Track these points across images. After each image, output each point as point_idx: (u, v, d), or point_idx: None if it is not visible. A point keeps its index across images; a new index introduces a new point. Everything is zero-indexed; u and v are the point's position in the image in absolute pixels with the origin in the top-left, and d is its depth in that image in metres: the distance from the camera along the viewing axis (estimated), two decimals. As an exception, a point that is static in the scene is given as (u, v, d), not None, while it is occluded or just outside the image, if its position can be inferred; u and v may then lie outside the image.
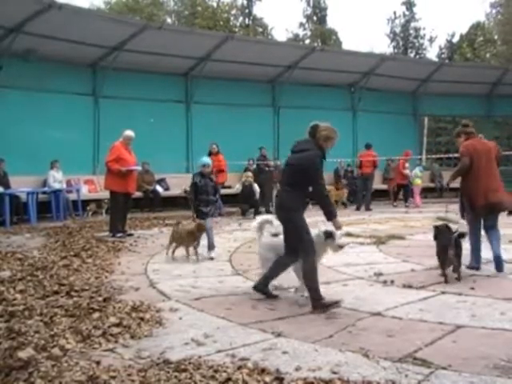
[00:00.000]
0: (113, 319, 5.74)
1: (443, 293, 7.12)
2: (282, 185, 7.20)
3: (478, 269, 8.56)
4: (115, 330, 5.43)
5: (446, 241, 7.92)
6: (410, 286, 7.46)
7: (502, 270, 8.26)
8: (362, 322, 5.82)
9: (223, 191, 19.40)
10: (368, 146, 20.48)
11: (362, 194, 20.44)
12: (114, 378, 4.25)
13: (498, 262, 8.33)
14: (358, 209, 19.80)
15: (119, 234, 12.61)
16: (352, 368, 4.50)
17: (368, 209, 19.61)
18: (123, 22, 19.30)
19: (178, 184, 20.28)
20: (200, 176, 10.50)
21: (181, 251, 10.03)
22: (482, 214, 8.67)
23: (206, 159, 10.92)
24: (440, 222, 9.37)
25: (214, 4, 46.16)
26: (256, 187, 17.89)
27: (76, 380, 4.18)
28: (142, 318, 5.85)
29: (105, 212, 17.00)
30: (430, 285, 7.56)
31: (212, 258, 9.99)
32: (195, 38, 20.44)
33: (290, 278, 7.25)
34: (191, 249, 9.99)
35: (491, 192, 8.58)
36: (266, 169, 19.64)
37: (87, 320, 5.73)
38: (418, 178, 21.69)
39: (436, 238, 8.25)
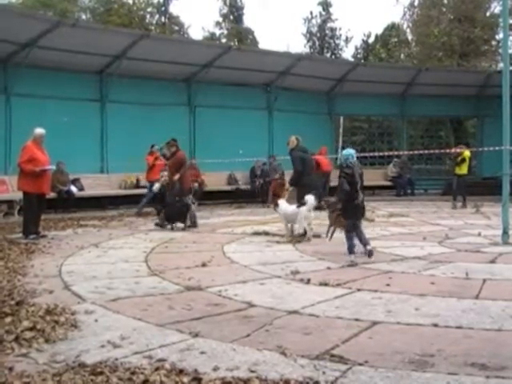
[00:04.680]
0: (26, 323, 5.60)
1: (359, 290, 7.25)
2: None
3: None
4: (28, 334, 5.30)
5: None
6: (326, 284, 7.55)
7: None
8: (279, 321, 5.86)
9: (140, 191, 19.31)
10: None
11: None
12: (27, 383, 4.16)
13: None
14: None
15: (32, 236, 12.31)
16: (270, 366, 4.53)
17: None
18: (35, 18, 18.85)
19: (93, 184, 20.01)
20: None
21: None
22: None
23: None
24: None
25: (130, 1, 45.67)
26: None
27: (-13, 387, 4.08)
28: (56, 321, 5.71)
29: (17, 213, 16.58)
30: (345, 282, 7.68)
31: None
32: (110, 36, 20.20)
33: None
34: None
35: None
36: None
37: (-1, 325, 5.59)
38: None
39: None
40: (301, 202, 12.13)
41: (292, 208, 12.30)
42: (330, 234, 11.10)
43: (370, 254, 9.44)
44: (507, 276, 8.17)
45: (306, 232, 12.14)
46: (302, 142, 13.92)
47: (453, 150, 22.06)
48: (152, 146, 18.72)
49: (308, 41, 49.83)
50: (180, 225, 14.17)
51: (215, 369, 4.48)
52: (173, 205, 14.45)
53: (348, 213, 9.75)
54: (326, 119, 28.10)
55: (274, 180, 21.76)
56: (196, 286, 7.49)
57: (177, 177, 14.88)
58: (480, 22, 35.92)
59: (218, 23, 50.71)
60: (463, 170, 20.36)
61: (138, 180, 20.93)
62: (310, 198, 11.98)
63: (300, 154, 13.45)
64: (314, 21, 49.82)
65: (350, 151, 9.94)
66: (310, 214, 12.06)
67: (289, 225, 12.55)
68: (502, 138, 11.16)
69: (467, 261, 9.35)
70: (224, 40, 48.12)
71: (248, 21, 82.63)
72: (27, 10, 30.76)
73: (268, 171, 22.57)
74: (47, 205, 14.57)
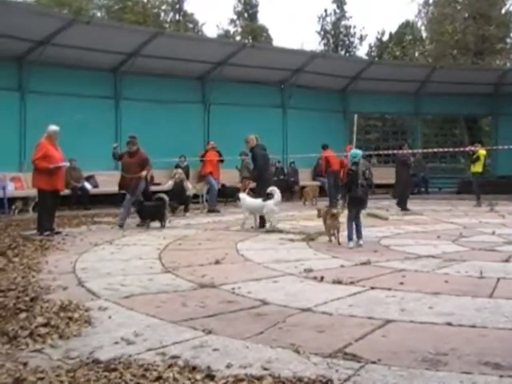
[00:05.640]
0: (40, 319, 5.62)
1: (372, 288, 7.23)
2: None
3: None
4: (43, 330, 5.32)
5: None
6: (339, 282, 7.54)
7: None
8: (293, 318, 5.85)
9: (154, 188, 19.32)
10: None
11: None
12: (41, 379, 4.17)
13: None
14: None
15: (47, 233, 12.36)
16: (283, 364, 4.52)
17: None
18: (50, 16, 18.91)
19: (107, 181, 20.02)
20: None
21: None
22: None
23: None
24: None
25: (145, -1, 45.75)
26: (187, 184, 17.80)
27: (2, 383, 4.09)
28: (70, 318, 5.74)
29: (32, 210, 16.64)
30: (359, 280, 7.67)
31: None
32: (124, 34, 20.24)
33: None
34: None
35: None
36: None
37: (14, 320, 5.61)
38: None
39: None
40: (267, 195, 13.32)
41: (258, 201, 13.52)
42: (334, 238, 11.32)
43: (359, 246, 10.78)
44: (521, 275, 8.14)
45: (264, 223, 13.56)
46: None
47: (468, 149, 22.02)
48: (208, 142, 19.88)
49: (322, 38, 49.61)
50: (156, 224, 14.20)
51: (228, 366, 4.48)
52: (148, 203, 14.51)
53: (350, 204, 11.26)
54: (340, 117, 27.99)
55: (245, 179, 21.48)
56: (209, 283, 7.49)
57: (144, 173, 14.74)
58: (495, 20, 35.72)
59: (232, 21, 50.71)
60: (477, 168, 20.40)
61: (152, 177, 20.93)
62: (276, 192, 13.21)
63: (261, 152, 14.47)
64: (328, 18, 49.60)
65: (356, 152, 11.59)
66: (275, 208, 13.19)
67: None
68: (517, 137, 11.11)
69: (481, 259, 9.32)
70: (238, 38, 48.05)
71: (262, 18, 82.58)
72: (42, 7, 30.83)
73: (240, 169, 22.29)
74: (61, 201, 14.63)
